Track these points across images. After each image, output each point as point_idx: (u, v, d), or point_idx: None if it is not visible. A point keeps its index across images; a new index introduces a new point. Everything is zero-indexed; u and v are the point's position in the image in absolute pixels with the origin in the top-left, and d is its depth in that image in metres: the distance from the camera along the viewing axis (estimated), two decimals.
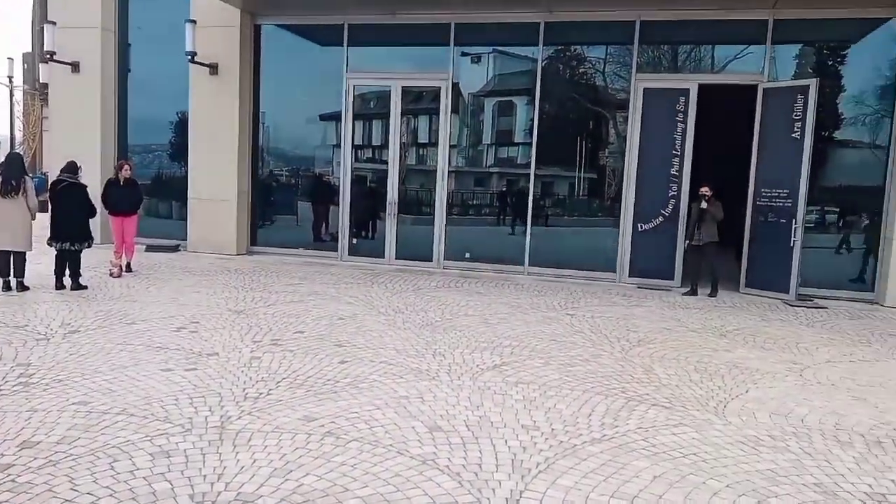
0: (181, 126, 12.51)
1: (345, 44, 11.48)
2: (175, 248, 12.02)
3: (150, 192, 12.97)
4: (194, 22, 11.09)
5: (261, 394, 4.66)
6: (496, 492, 3.38)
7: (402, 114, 11.58)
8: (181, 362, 5.33)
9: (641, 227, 10.55)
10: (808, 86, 9.32)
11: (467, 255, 11.30)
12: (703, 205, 9.43)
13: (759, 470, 3.80)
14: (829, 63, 10.58)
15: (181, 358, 5.45)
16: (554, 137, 11.45)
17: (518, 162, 11.72)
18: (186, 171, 12.12)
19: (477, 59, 11.73)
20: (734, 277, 10.24)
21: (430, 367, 5.46)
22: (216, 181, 11.76)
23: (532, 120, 11.08)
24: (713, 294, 9.58)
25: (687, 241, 9.84)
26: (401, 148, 11.56)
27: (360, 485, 3.40)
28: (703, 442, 4.18)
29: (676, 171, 10.24)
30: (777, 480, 3.67)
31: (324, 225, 12.29)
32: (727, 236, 10.33)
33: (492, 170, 12.08)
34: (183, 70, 11.62)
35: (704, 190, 9.49)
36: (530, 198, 11.08)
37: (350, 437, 4.00)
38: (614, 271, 10.73)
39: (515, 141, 12.02)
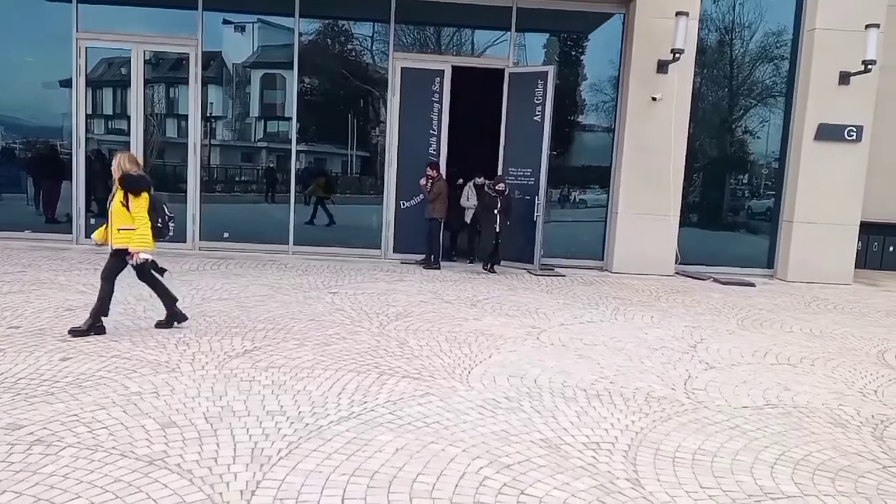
0: None
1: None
2: None
3: None
4: None
5: None
6: (230, 486, 3.19)
7: (148, 81, 10.61)
8: None
9: (404, 205, 10.79)
10: (546, 72, 10.11)
11: (226, 234, 10.72)
12: (422, 181, 10.05)
13: (494, 431, 4.02)
14: (568, 52, 11.61)
15: None
16: (316, 113, 11.27)
17: (280, 137, 11.35)
18: None
19: (241, 28, 11.09)
20: None
21: (171, 359, 5.04)
22: None
23: (293, 95, 10.74)
24: (428, 266, 10.05)
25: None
26: (145, 119, 10.57)
27: (70, 496, 3.01)
28: (446, 409, 4.33)
29: (434, 149, 10.59)
30: (509, 440, 3.91)
31: (57, 204, 10.88)
32: None
33: (253, 144, 11.55)
34: None
35: (428, 170, 10.06)
36: (293, 174, 10.78)
37: (65, 443, 3.54)
38: (379, 248, 10.87)
39: (277, 115, 11.61)
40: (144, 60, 10.50)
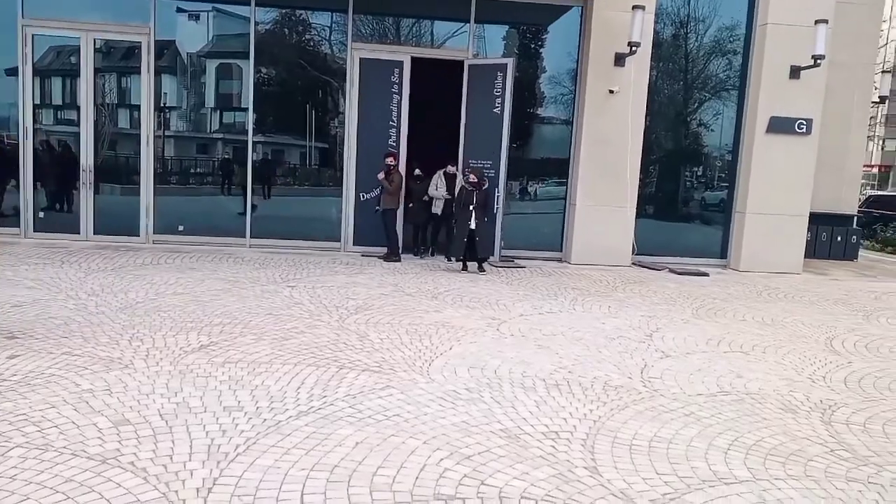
0: None
1: None
2: None
3: None
4: None
5: None
6: (186, 483, 3.13)
7: (99, 71, 10.31)
8: None
9: (363, 197, 10.70)
10: (505, 64, 10.13)
11: (181, 227, 10.50)
12: (381, 175, 9.91)
13: (455, 423, 4.03)
14: (527, 44, 11.65)
15: None
16: (273, 104, 11.10)
17: (237, 128, 11.15)
18: None
19: (195, 16, 10.85)
20: None
21: (124, 355, 4.93)
22: None
23: (249, 85, 10.56)
24: (388, 259, 10.01)
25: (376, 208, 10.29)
26: (96, 109, 10.27)
27: (19, 498, 2.92)
28: (406, 402, 4.33)
29: (394, 141, 10.53)
30: (469, 431, 3.93)
31: (3, 197, 10.50)
32: None
33: (208, 135, 11.32)
34: None
35: (389, 160, 9.95)
36: (249, 166, 10.61)
37: (13, 443, 3.43)
38: (339, 240, 10.78)
39: (234, 106, 11.40)
40: (95, 49, 10.19)
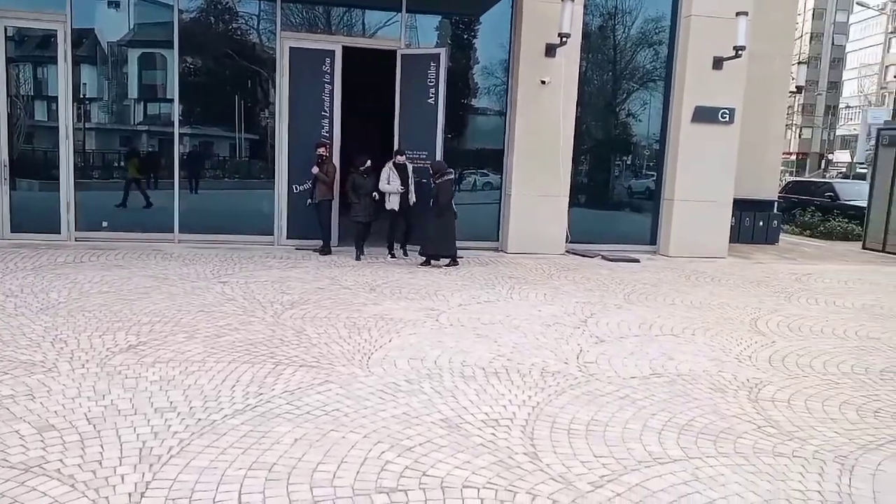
0: None
1: None
2: None
3: None
4: None
5: None
6: (117, 489, 3.01)
7: (12, 60, 9.77)
8: None
9: (296, 189, 10.50)
10: (438, 54, 10.10)
11: (105, 224, 10.09)
12: (315, 170, 9.71)
13: (395, 415, 4.02)
14: (460, 34, 11.66)
15: None
16: (200, 95, 10.78)
17: (162, 120, 10.77)
18: None
19: (115, 3, 10.40)
20: None
21: (47, 358, 4.70)
22: None
23: (174, 75, 10.20)
24: (324, 252, 9.88)
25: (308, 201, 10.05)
26: (10, 100, 9.74)
27: None
28: (346, 396, 4.28)
29: (327, 132, 10.37)
30: (410, 422, 3.92)
31: None
32: None
33: (132, 128, 10.88)
34: None
35: (320, 150, 9.75)
36: (176, 159, 10.26)
37: None
38: (272, 234, 10.56)
39: (158, 97, 11.00)
40: (6, 37, 9.64)
